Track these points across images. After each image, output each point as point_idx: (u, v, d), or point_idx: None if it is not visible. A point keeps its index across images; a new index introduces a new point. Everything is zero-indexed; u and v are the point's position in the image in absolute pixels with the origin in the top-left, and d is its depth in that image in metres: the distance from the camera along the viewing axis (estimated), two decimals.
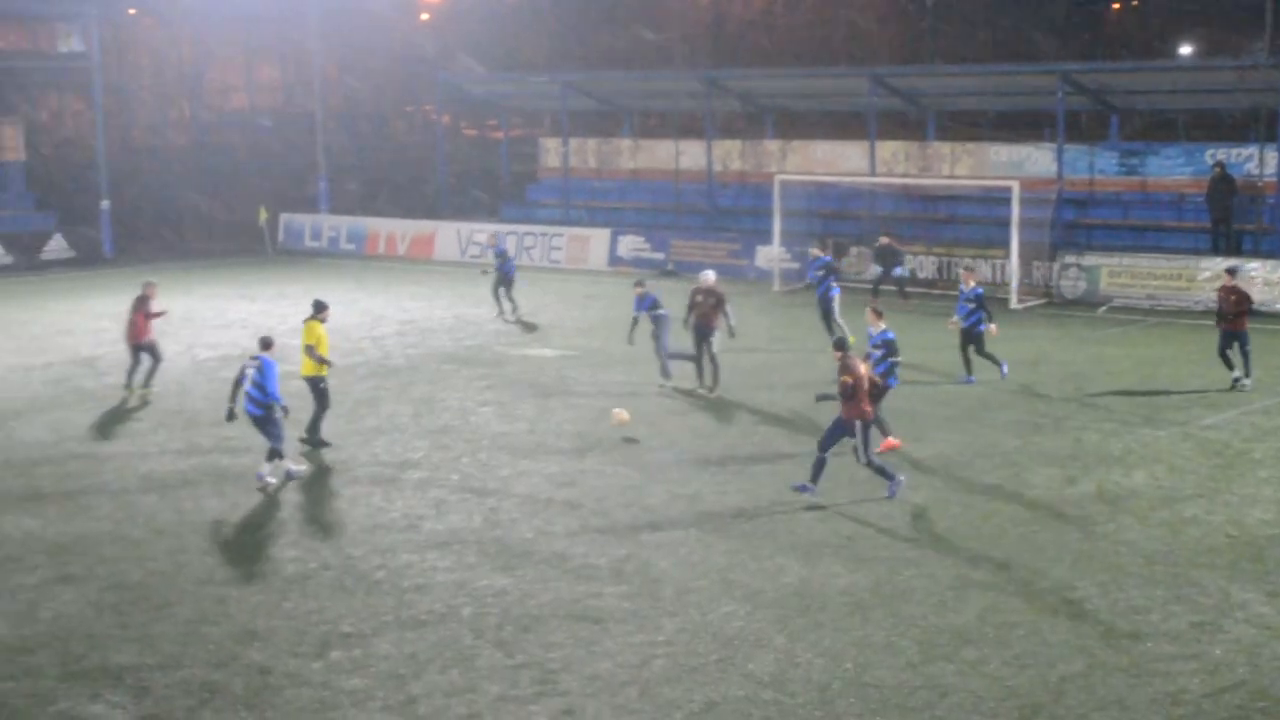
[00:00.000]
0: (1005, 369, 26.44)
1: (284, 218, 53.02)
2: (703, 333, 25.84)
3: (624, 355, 28.14)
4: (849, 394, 18.65)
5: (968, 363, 26.35)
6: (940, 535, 17.63)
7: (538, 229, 47.57)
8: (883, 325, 21.57)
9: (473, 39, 67.17)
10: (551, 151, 53.40)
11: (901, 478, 19.22)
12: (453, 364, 28.73)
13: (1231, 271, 26.40)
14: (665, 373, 26.21)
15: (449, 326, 33.48)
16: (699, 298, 26.08)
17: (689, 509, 18.77)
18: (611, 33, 70.41)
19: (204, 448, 22.09)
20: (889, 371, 21.19)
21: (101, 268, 45.84)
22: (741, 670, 13.63)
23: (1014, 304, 36.05)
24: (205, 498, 19.52)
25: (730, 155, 48.62)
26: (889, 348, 21.31)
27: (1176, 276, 36.13)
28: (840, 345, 19.11)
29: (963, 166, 43.52)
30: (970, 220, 42.53)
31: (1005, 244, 36.98)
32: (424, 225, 50.13)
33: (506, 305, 33.96)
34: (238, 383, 19.90)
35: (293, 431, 21.10)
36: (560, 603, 15.36)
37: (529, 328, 32.86)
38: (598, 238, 45.82)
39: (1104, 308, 36.18)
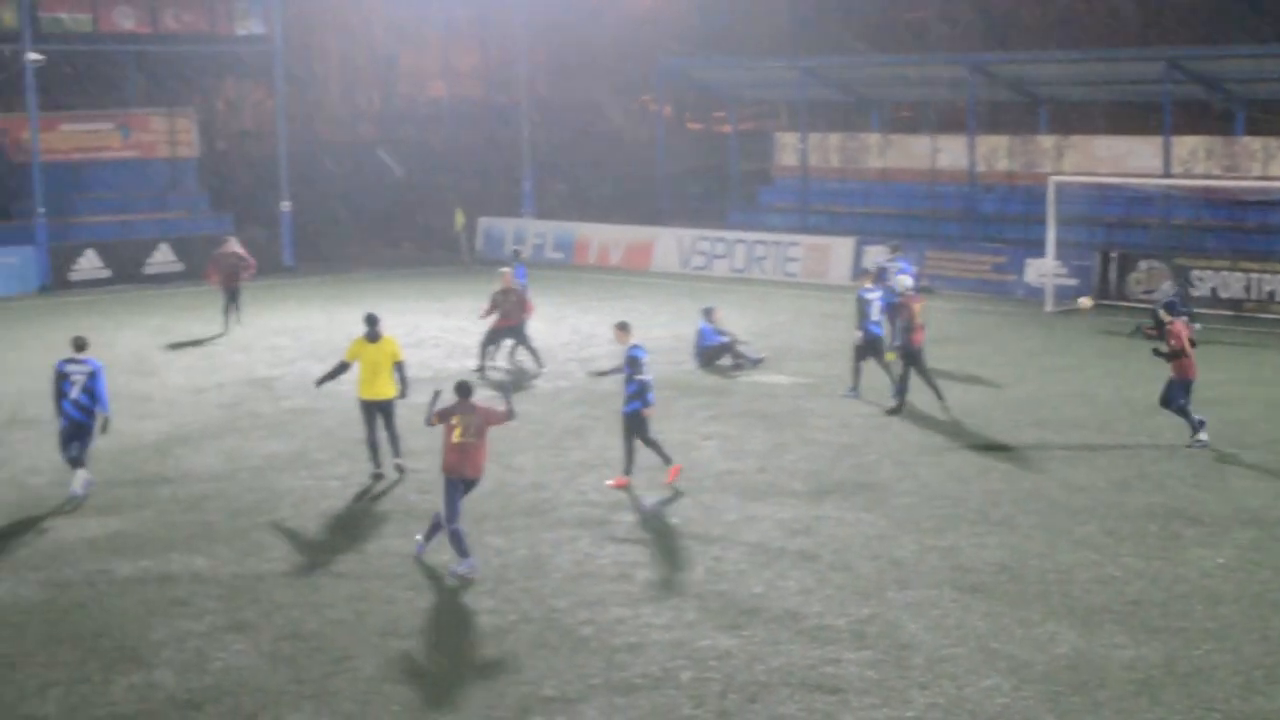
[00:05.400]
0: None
1: (483, 222, 54.00)
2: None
3: (871, 384, 27.98)
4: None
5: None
6: (1251, 601, 17.11)
7: (770, 237, 47.64)
8: (631, 340, 22.18)
9: (699, 19, 67.57)
10: (788, 148, 53.43)
11: (471, 561, 18.36)
12: (671, 391, 28.83)
13: None
14: None
15: (668, 348, 33.60)
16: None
17: (943, 563, 18.56)
18: (859, 10, 70.13)
19: (389, 480, 22.55)
20: (639, 392, 21.82)
21: (280, 277, 47.19)
22: None
23: None
24: (390, 538, 19.91)
25: (996, 153, 48.09)
26: (633, 365, 21.91)
27: None
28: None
29: (1279, 165, 42.39)
30: None
31: None
32: (641, 231, 50.58)
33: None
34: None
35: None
36: (793, 669, 15.30)
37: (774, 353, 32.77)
38: (839, 247, 45.67)
39: None
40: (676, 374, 30.73)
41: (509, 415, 19.40)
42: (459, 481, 18.70)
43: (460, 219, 51.67)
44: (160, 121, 51.32)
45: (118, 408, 27.15)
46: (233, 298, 36.55)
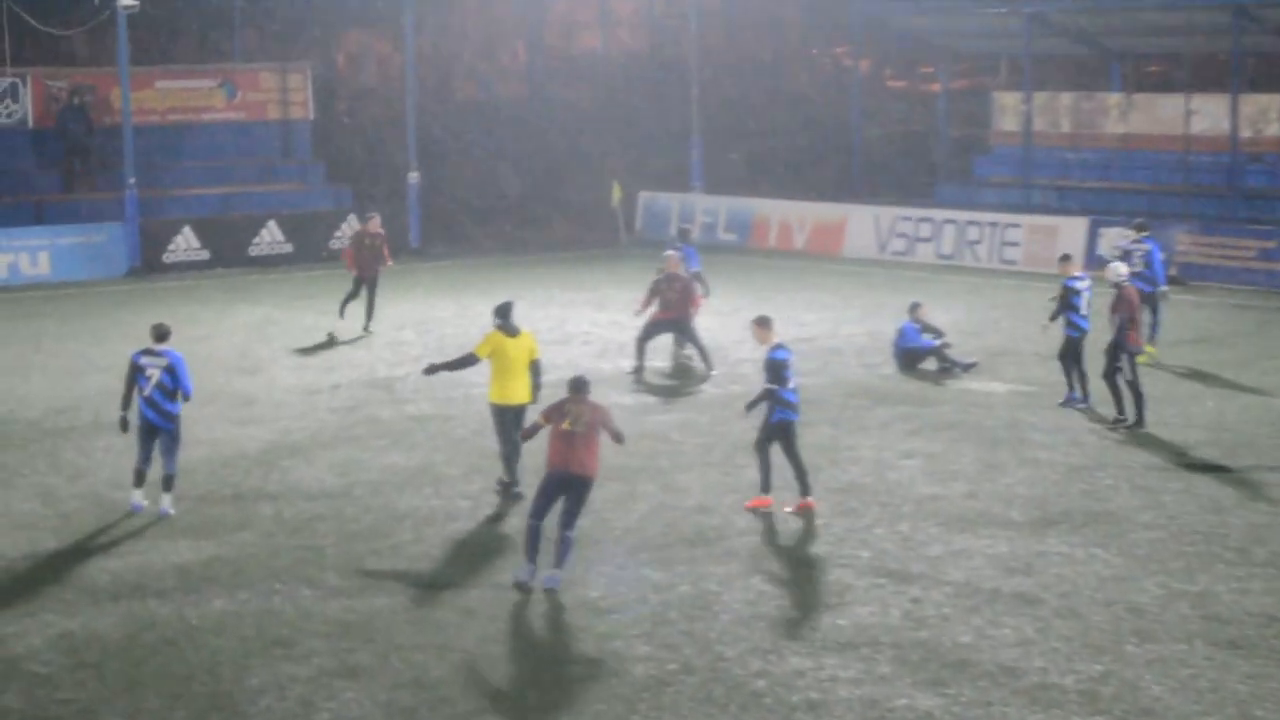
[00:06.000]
0: None
1: (643, 197, 54.06)
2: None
3: (1100, 393, 27.49)
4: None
5: None
6: None
7: (985, 216, 47.20)
8: (774, 339, 22.18)
9: None
10: (1009, 110, 52.99)
11: (530, 569, 18.96)
12: (865, 399, 28.63)
13: None
14: None
15: (861, 348, 33.41)
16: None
17: (1194, 612, 18.17)
18: None
19: (526, 502, 22.52)
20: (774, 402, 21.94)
21: (407, 261, 47.28)
22: None
23: None
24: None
25: (1266, 115, 47.29)
26: (771, 371, 21.87)
27: None
28: None
29: None
30: None
31: None
32: (831, 209, 50.35)
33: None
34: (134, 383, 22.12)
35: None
36: None
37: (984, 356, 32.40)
38: (1070, 229, 45.08)
39: None
40: (871, 379, 30.49)
41: (618, 435, 19.73)
42: (562, 477, 19.07)
43: (618, 193, 51.73)
44: (271, 79, 51.90)
45: (216, 411, 27.65)
46: (370, 288, 35.76)
